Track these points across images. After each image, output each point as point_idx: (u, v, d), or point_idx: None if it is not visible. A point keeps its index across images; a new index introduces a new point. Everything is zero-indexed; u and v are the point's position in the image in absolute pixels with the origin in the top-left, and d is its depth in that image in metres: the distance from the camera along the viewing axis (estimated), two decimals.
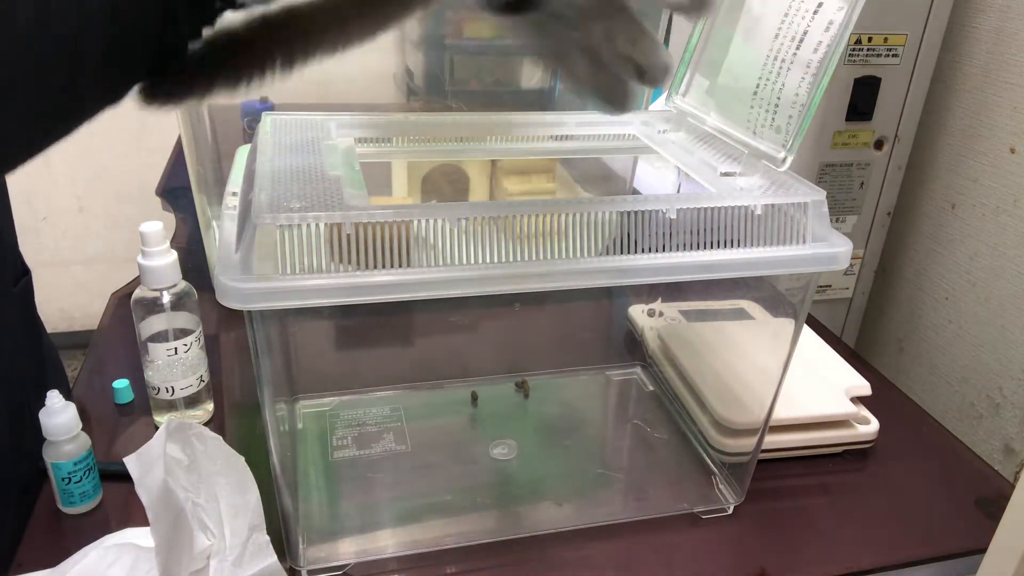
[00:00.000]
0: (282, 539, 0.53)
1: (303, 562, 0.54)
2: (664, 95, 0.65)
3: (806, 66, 0.50)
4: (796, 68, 0.51)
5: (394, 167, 0.86)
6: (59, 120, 0.31)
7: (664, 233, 0.46)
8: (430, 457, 0.66)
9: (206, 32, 0.35)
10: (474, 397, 0.72)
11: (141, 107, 0.34)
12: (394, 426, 0.68)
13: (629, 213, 0.46)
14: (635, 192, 0.90)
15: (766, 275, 0.52)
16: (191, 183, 0.82)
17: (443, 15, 0.94)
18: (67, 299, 2.13)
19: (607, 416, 0.75)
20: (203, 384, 0.66)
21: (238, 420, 0.68)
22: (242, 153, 0.79)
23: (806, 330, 0.75)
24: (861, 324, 1.05)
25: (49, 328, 0.73)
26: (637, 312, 0.81)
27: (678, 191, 0.69)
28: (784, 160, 0.51)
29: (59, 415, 0.55)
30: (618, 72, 0.40)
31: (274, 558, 0.48)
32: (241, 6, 0.35)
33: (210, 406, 0.68)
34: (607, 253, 0.46)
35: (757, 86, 0.54)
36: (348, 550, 0.56)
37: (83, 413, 0.57)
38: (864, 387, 0.69)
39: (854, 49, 0.85)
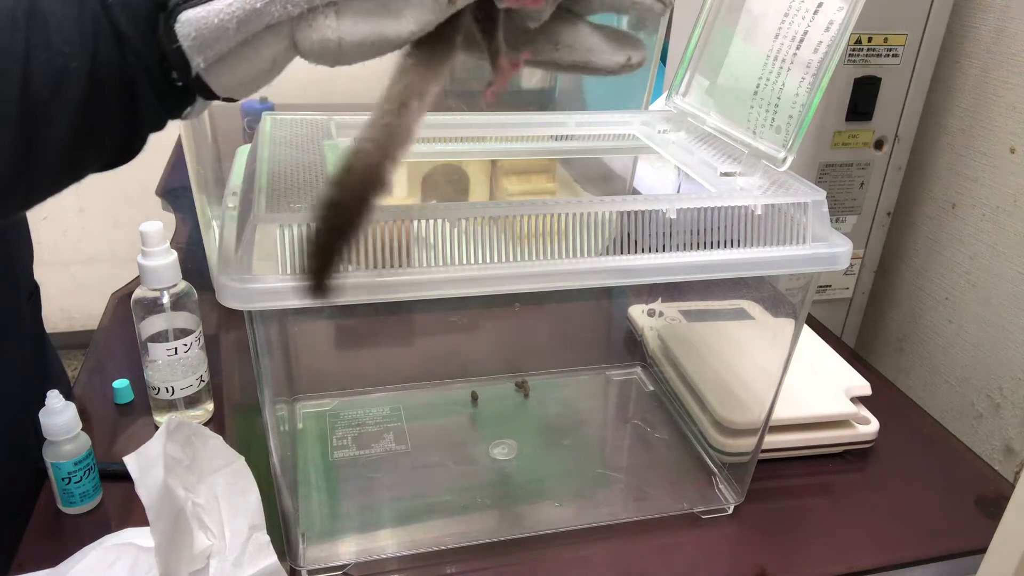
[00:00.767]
0: (282, 539, 0.53)
1: (303, 562, 0.54)
2: (664, 95, 0.66)
3: (806, 66, 0.50)
4: (796, 68, 0.51)
5: None
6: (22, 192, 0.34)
7: (664, 233, 0.46)
8: (430, 457, 0.66)
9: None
10: (474, 397, 0.72)
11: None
12: (394, 426, 0.68)
13: (629, 213, 0.46)
14: (635, 192, 0.90)
15: (766, 275, 0.52)
16: (191, 183, 0.82)
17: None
18: (67, 299, 2.12)
19: (607, 416, 0.75)
20: (203, 384, 0.66)
21: (238, 420, 0.68)
22: (242, 153, 0.79)
23: (806, 330, 0.75)
24: (861, 324, 1.05)
25: (49, 328, 0.73)
26: (637, 312, 0.81)
27: (678, 191, 0.69)
28: (784, 160, 0.51)
29: (59, 415, 0.55)
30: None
31: (274, 558, 0.48)
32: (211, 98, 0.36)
33: (210, 406, 0.68)
34: (607, 253, 0.46)
35: (757, 86, 0.54)
36: (348, 550, 0.56)
37: (83, 413, 0.57)
38: (864, 387, 0.69)
39: (854, 49, 0.85)
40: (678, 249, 0.47)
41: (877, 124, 0.90)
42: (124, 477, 0.48)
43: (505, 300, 0.69)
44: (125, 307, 0.80)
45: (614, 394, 0.77)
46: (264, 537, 0.48)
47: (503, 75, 0.41)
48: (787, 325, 0.55)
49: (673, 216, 0.46)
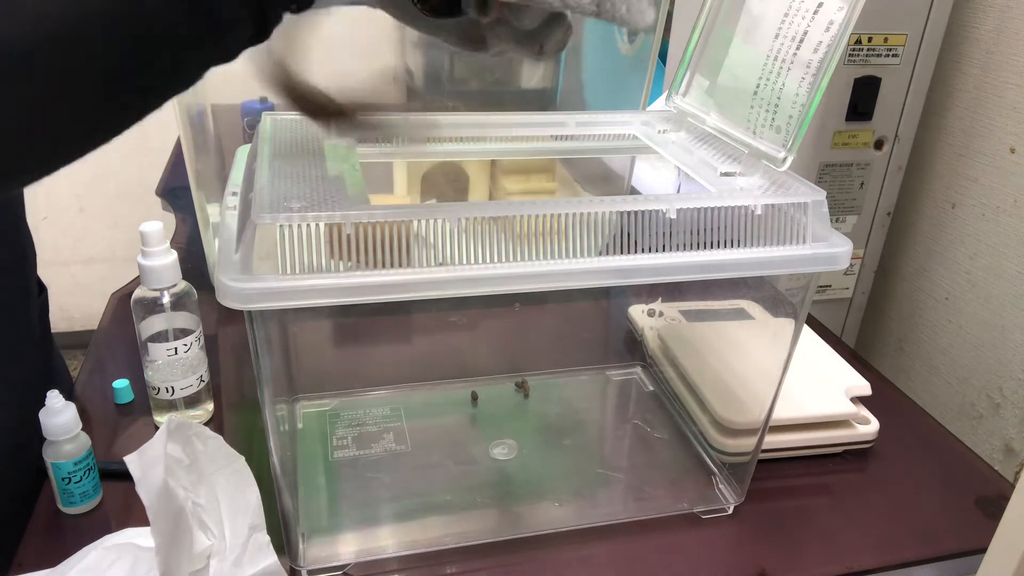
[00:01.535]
0: (282, 539, 0.53)
1: (303, 562, 0.54)
2: (664, 95, 0.66)
3: (806, 66, 0.50)
4: (796, 68, 0.51)
5: (394, 167, 0.86)
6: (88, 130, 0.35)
7: (664, 233, 0.46)
8: (430, 457, 0.66)
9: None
10: (474, 397, 0.72)
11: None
12: (394, 426, 0.68)
13: (629, 213, 0.46)
14: (634, 192, 0.90)
15: (766, 275, 0.52)
16: (191, 183, 0.82)
17: None
18: (67, 299, 2.12)
19: (607, 416, 0.75)
20: (203, 384, 0.66)
21: (238, 420, 0.68)
22: (242, 153, 0.79)
23: (806, 330, 0.75)
24: (861, 324, 1.05)
25: None
26: (637, 312, 0.81)
27: (678, 191, 0.69)
28: (784, 160, 0.51)
29: (59, 415, 0.55)
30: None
31: (274, 558, 0.48)
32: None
33: (210, 406, 0.68)
34: (606, 253, 0.46)
35: (757, 86, 0.54)
36: (348, 550, 0.56)
37: (83, 413, 0.57)
38: (864, 387, 0.69)
39: (854, 49, 0.85)
40: (678, 249, 0.47)
41: (877, 124, 0.90)
42: (124, 477, 0.48)
43: (505, 300, 0.69)
44: (125, 307, 0.80)
45: (614, 394, 0.77)
46: (264, 537, 0.48)
47: None
48: (787, 325, 0.55)
49: (673, 216, 0.46)
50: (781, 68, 0.52)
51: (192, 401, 0.66)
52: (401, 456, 0.65)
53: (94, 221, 2.11)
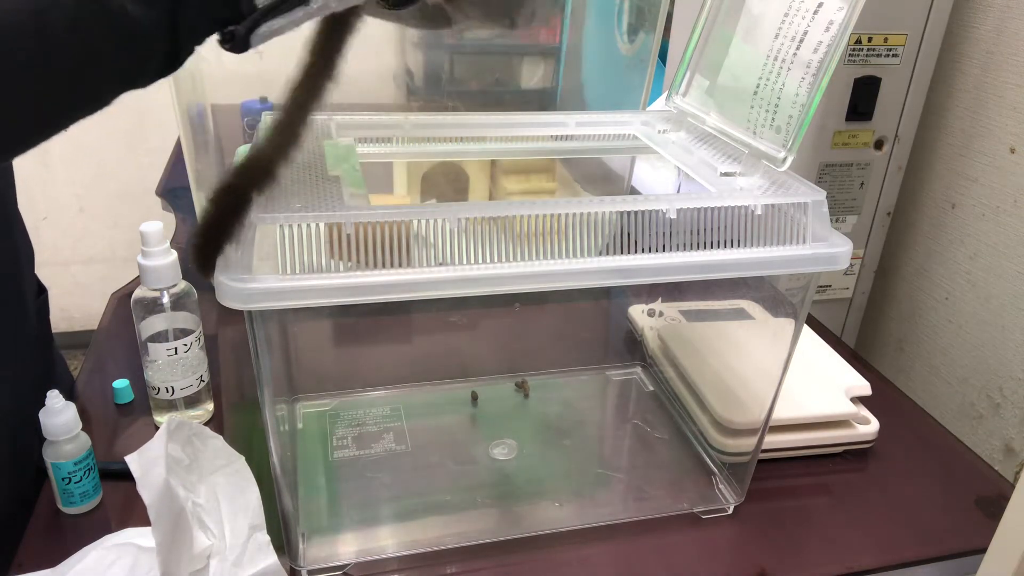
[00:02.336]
0: (282, 539, 0.53)
1: (303, 562, 0.54)
2: (664, 95, 0.66)
3: (806, 66, 0.50)
4: (796, 68, 0.51)
5: (394, 167, 0.86)
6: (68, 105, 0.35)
7: (664, 233, 0.46)
8: (430, 457, 0.66)
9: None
10: (474, 397, 0.72)
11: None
12: (394, 426, 0.68)
13: (629, 213, 0.46)
14: (634, 192, 0.90)
15: (766, 275, 0.52)
16: (191, 183, 0.82)
17: None
18: (67, 299, 2.12)
19: (607, 416, 0.75)
20: (203, 384, 0.66)
21: (238, 420, 0.68)
22: (242, 153, 0.79)
23: (806, 330, 0.75)
24: (861, 324, 1.05)
25: None
26: (637, 312, 0.81)
27: (678, 191, 0.69)
28: (784, 160, 0.51)
29: (59, 415, 0.55)
30: None
31: (274, 558, 0.48)
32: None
33: (210, 406, 0.68)
34: (606, 253, 0.46)
35: (757, 86, 0.54)
36: (348, 550, 0.56)
37: (83, 413, 0.57)
38: (864, 387, 0.69)
39: (854, 49, 0.85)
40: (678, 249, 0.47)
41: (877, 124, 0.90)
42: (124, 477, 0.48)
43: (505, 300, 0.69)
44: (125, 307, 0.80)
45: (614, 394, 0.77)
46: (264, 537, 0.49)
47: None
48: (787, 325, 0.55)
49: (673, 216, 0.46)
50: (781, 68, 0.52)
51: (192, 401, 0.66)
52: (401, 456, 0.65)
53: (94, 221, 2.11)
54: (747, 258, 0.48)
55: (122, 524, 0.54)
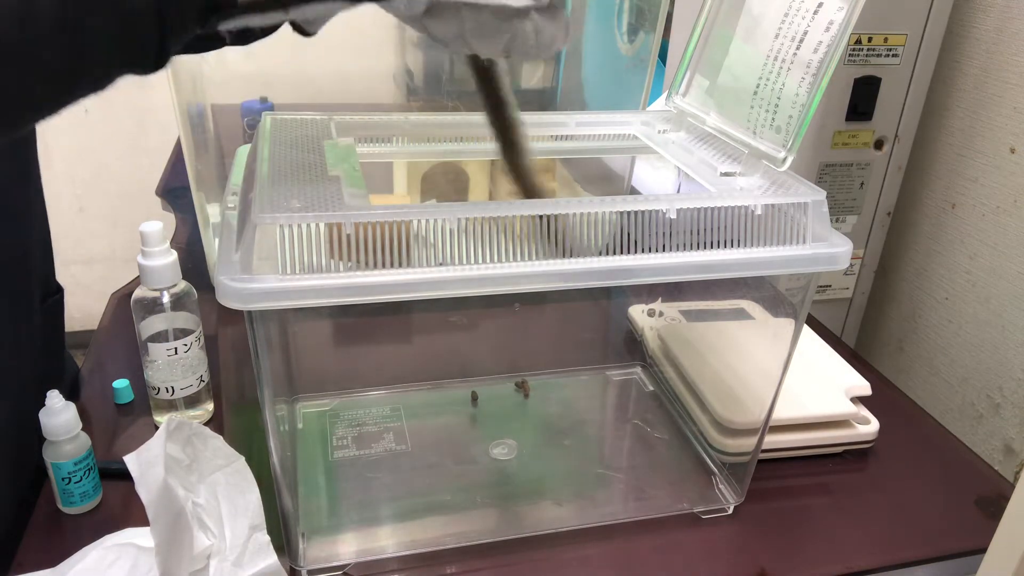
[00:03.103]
0: (282, 539, 0.53)
1: (303, 562, 0.54)
2: (664, 95, 0.66)
3: (806, 66, 0.50)
4: (796, 68, 0.51)
5: (394, 167, 0.86)
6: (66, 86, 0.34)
7: (664, 233, 0.46)
8: (430, 457, 0.66)
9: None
10: (474, 397, 0.72)
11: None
12: (394, 426, 0.68)
13: (629, 213, 0.46)
14: (634, 192, 0.90)
15: (766, 275, 0.52)
16: (191, 183, 0.82)
17: None
18: (67, 299, 2.12)
19: (607, 416, 0.75)
20: (203, 384, 0.66)
21: (238, 420, 0.68)
22: (242, 153, 0.79)
23: (806, 330, 0.75)
24: (861, 324, 1.05)
25: None
26: (637, 312, 0.81)
27: (678, 191, 0.69)
28: (784, 160, 0.51)
29: (59, 415, 0.55)
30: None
31: (274, 558, 0.48)
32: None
33: (210, 406, 0.68)
34: (606, 253, 0.46)
35: (757, 86, 0.54)
36: (348, 550, 0.56)
37: (83, 413, 0.57)
38: (864, 387, 0.69)
39: (854, 49, 0.85)
40: (678, 249, 0.47)
41: (877, 124, 0.90)
42: (124, 477, 0.48)
43: (505, 300, 0.69)
44: (125, 307, 0.80)
45: (614, 394, 0.77)
46: (264, 537, 0.48)
47: None
48: (787, 325, 0.55)
49: (673, 216, 0.46)
50: (781, 68, 0.52)
51: (192, 401, 0.66)
52: (401, 456, 0.65)
53: (94, 221, 2.11)
54: (747, 258, 0.48)
55: (122, 524, 0.54)
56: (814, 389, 0.67)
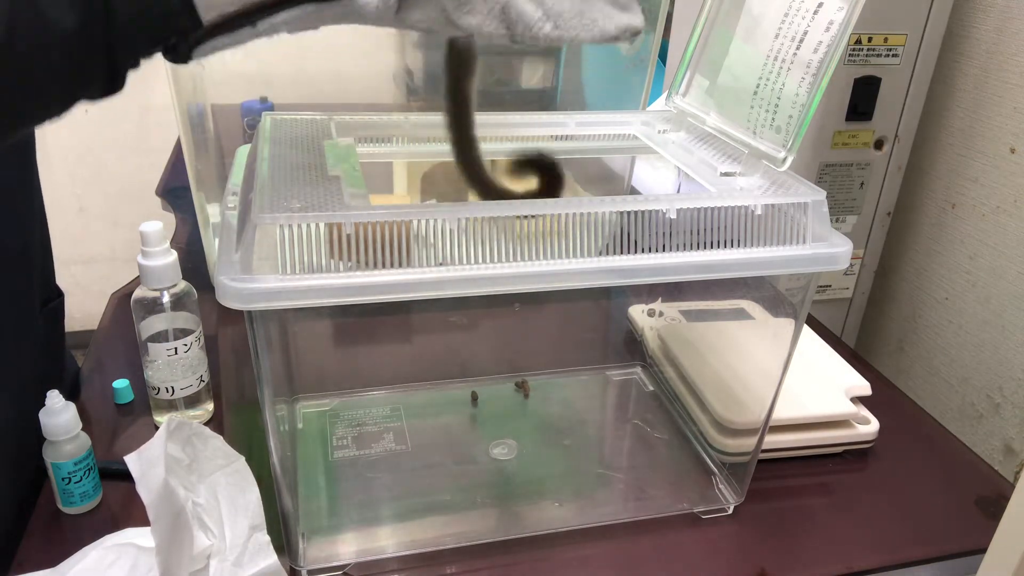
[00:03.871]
0: (282, 539, 0.53)
1: (303, 562, 0.54)
2: (664, 95, 0.66)
3: (806, 66, 0.50)
4: (796, 68, 0.51)
5: (394, 167, 0.86)
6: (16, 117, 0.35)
7: (664, 233, 0.46)
8: (430, 457, 0.66)
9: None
10: (474, 397, 0.72)
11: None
12: (394, 426, 0.68)
13: (629, 213, 0.46)
14: (634, 192, 0.90)
15: (766, 275, 0.52)
16: (191, 183, 0.82)
17: None
18: (67, 299, 2.12)
19: (607, 416, 0.75)
20: (203, 384, 0.66)
21: (238, 420, 0.68)
22: (242, 153, 0.79)
23: (806, 330, 0.75)
24: (861, 324, 1.05)
25: None
26: (637, 312, 0.81)
27: (678, 191, 0.69)
28: (784, 160, 0.51)
29: (59, 415, 0.55)
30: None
31: (274, 558, 0.48)
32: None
33: (210, 406, 0.68)
34: (606, 253, 0.46)
35: (757, 86, 0.54)
36: (348, 550, 0.56)
37: (83, 413, 0.57)
38: (864, 387, 0.69)
39: (854, 49, 0.85)
40: (678, 249, 0.47)
41: (877, 124, 0.90)
42: (124, 477, 0.48)
43: (505, 300, 0.69)
44: (125, 307, 0.80)
45: (614, 394, 0.77)
46: (264, 537, 0.48)
47: None
48: (787, 325, 0.55)
49: (673, 216, 0.46)
50: (781, 68, 0.52)
51: (192, 401, 0.66)
52: (401, 456, 0.65)
53: (94, 221, 2.11)
54: (747, 258, 0.48)
55: (122, 524, 0.54)
56: (814, 389, 0.67)
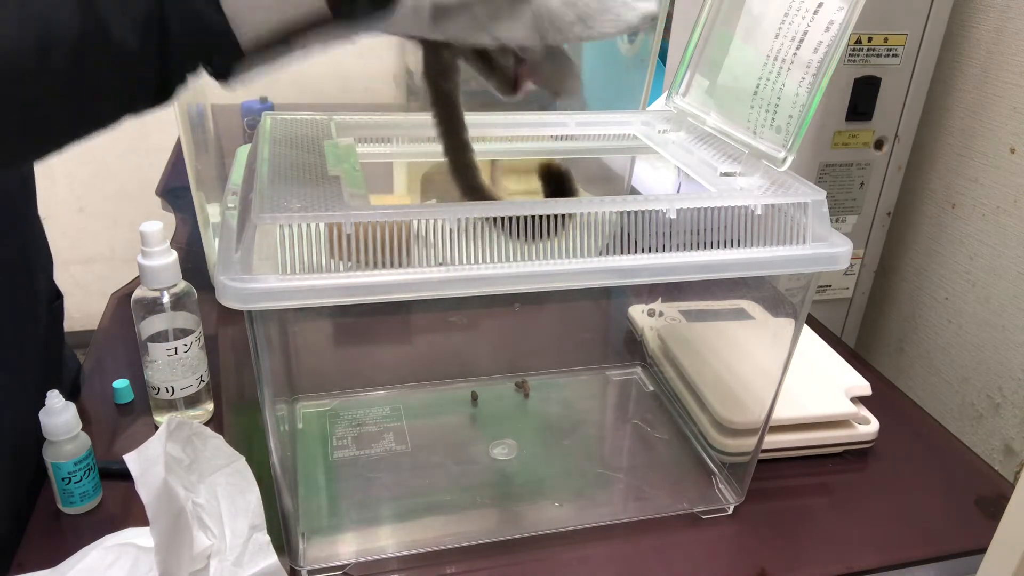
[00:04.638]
0: (282, 539, 0.53)
1: (303, 562, 0.54)
2: (664, 95, 0.66)
3: (806, 66, 0.50)
4: (796, 68, 0.51)
5: (394, 167, 0.86)
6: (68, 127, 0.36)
7: (664, 233, 0.46)
8: (430, 457, 0.66)
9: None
10: (474, 397, 0.72)
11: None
12: (394, 426, 0.68)
13: (629, 213, 0.46)
14: (634, 192, 0.90)
15: (766, 275, 0.52)
16: (191, 183, 0.82)
17: None
18: (67, 299, 2.12)
19: (607, 416, 0.75)
20: (203, 384, 0.66)
21: (238, 420, 0.68)
22: (242, 153, 0.79)
23: (806, 330, 0.75)
24: (861, 324, 1.05)
25: None
26: (637, 312, 0.81)
27: (678, 191, 0.69)
28: (784, 160, 0.51)
29: (59, 415, 0.55)
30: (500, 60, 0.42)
31: (274, 558, 0.48)
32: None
33: (210, 406, 0.68)
34: (606, 253, 0.46)
35: (757, 86, 0.54)
36: (348, 550, 0.56)
37: (83, 413, 0.57)
38: (864, 387, 0.69)
39: (854, 49, 0.85)
40: (678, 249, 0.47)
41: (877, 124, 0.90)
42: (124, 477, 0.48)
43: (505, 300, 0.69)
44: (125, 307, 0.80)
45: (614, 394, 0.77)
46: (264, 537, 0.48)
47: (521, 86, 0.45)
48: (787, 325, 0.55)
49: (673, 216, 0.46)
50: (781, 68, 0.52)
51: (192, 401, 0.66)
52: (401, 456, 0.65)
53: (94, 221, 2.11)
54: (747, 258, 0.48)
55: (122, 524, 0.54)
56: (814, 389, 0.67)
